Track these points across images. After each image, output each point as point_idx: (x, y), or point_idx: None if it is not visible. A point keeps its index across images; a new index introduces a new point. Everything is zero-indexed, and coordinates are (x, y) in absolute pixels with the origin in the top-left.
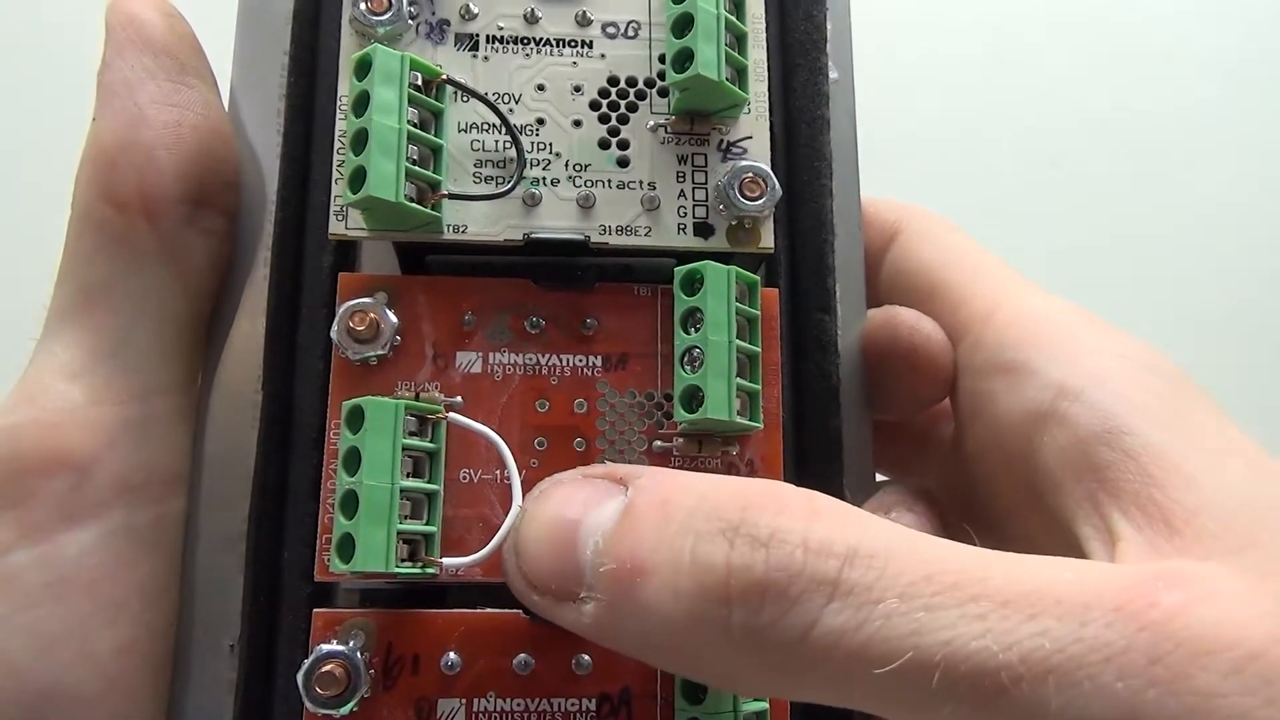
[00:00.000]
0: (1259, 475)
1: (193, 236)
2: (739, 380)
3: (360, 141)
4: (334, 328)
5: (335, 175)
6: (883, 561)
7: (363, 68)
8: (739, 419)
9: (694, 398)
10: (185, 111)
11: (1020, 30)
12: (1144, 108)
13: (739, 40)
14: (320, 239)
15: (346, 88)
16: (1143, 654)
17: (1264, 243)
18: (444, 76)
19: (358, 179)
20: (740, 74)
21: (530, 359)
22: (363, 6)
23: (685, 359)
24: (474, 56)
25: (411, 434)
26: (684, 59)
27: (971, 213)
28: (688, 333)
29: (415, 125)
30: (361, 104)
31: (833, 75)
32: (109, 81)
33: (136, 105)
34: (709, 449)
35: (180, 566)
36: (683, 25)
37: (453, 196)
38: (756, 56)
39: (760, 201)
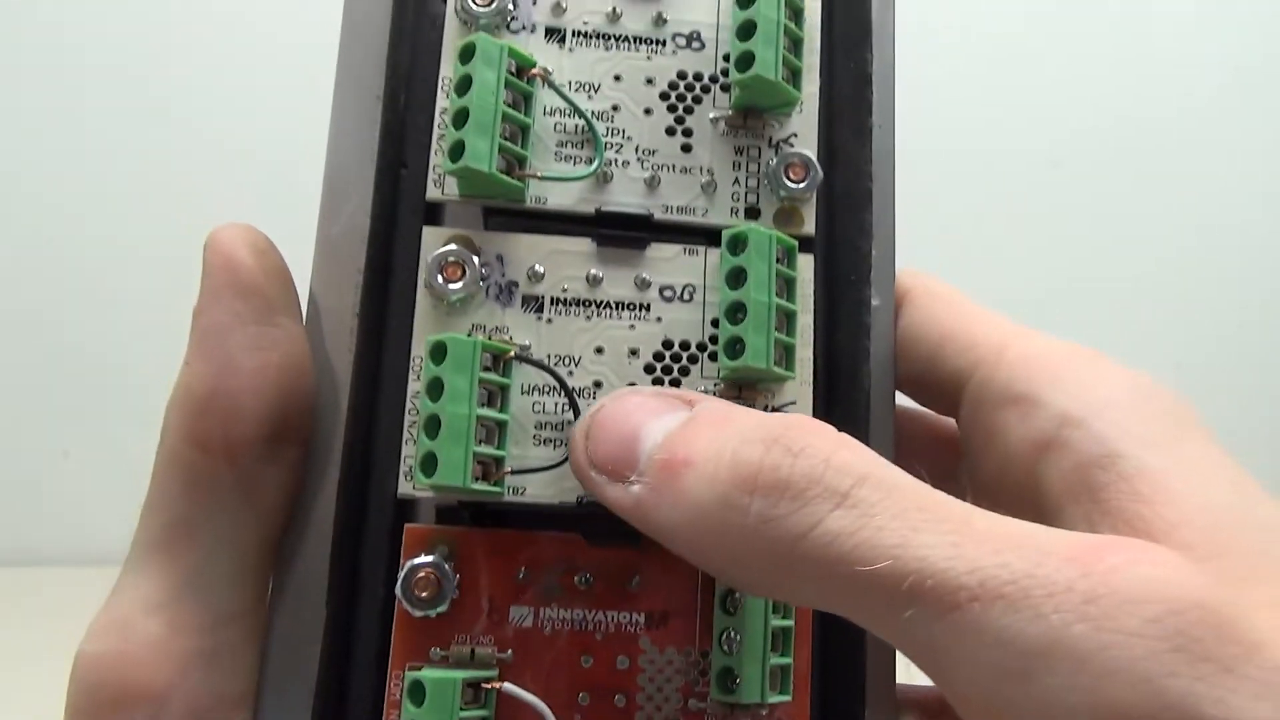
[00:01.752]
0: (1240, 494)
1: (269, 470)
2: None
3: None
4: (398, 588)
5: (410, 409)
6: (888, 489)
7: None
8: None
9: None
10: (271, 354)
11: (1022, 33)
12: (1145, 109)
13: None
14: (381, 506)
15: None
16: (1080, 595)
17: (1263, 243)
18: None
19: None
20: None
21: (578, 614)
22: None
23: None
24: (539, 319)
25: (468, 702)
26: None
27: (973, 212)
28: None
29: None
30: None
31: (874, 302)
32: (203, 327)
33: (227, 353)
34: None
35: None
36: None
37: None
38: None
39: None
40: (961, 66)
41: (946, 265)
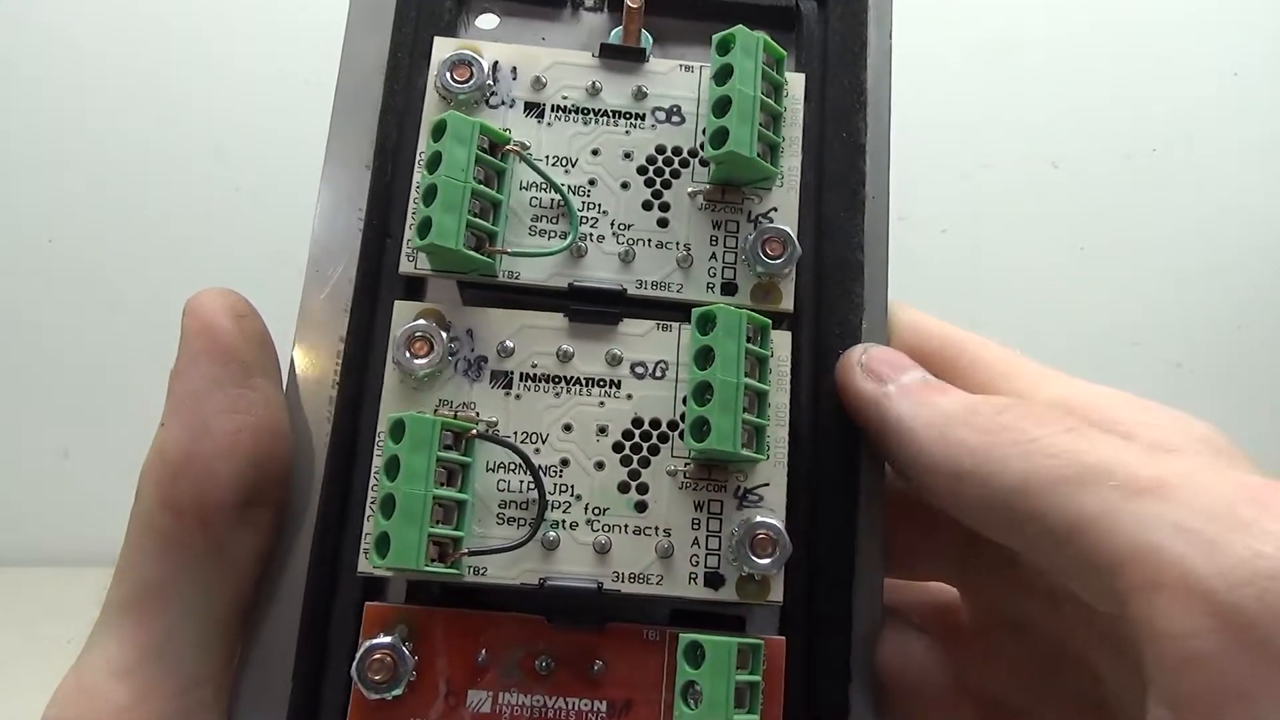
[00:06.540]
0: None
1: (241, 534)
2: None
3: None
4: (353, 670)
5: (372, 485)
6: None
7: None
8: None
9: None
10: (247, 417)
11: (1021, 32)
12: (1144, 109)
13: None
14: (352, 578)
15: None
16: None
17: (1263, 242)
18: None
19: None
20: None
21: (538, 700)
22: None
23: None
24: (507, 395)
25: None
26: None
27: (972, 213)
28: None
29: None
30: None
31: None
32: (179, 391)
33: (202, 418)
34: None
35: None
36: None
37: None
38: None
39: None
40: (962, 66)
41: (945, 265)
